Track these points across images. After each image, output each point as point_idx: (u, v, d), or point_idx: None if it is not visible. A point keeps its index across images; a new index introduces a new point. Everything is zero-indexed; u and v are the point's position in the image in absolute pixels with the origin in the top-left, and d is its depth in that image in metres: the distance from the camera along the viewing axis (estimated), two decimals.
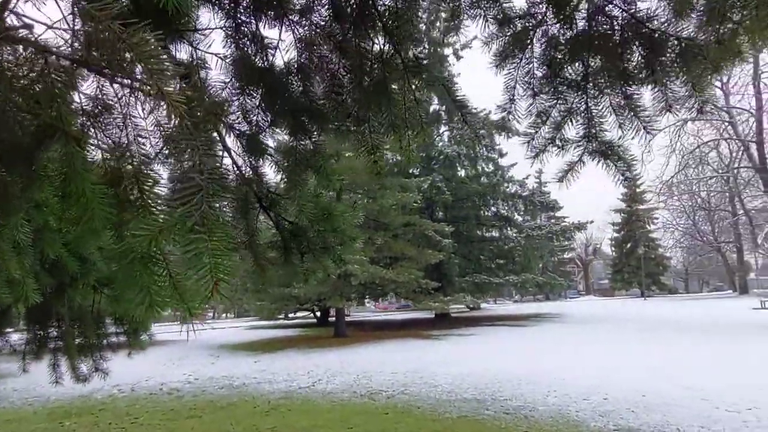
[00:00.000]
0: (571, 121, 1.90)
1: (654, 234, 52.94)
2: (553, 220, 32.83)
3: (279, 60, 2.10)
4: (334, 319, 23.76)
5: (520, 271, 24.03)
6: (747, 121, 18.04)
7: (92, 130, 1.20)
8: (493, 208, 26.54)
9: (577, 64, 1.88)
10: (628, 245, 52.89)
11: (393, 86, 1.96)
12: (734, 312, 23.23)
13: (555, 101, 1.84)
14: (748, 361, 10.08)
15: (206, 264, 0.88)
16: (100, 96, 1.17)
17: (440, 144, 27.06)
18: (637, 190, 52.07)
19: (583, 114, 1.85)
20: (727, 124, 17.81)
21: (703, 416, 6.30)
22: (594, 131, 1.90)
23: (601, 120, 1.95)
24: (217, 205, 0.93)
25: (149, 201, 1.09)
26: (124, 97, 1.16)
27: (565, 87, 1.90)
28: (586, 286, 70.92)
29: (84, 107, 1.19)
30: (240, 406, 8.39)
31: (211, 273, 0.88)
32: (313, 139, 2.15)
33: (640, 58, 1.74)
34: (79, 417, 7.88)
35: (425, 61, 1.94)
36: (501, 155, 26.41)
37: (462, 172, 26.69)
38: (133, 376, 10.79)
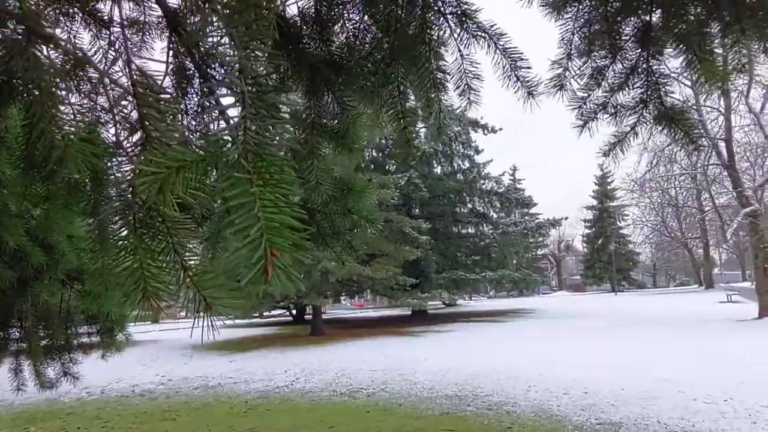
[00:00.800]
0: (629, 83, 1.75)
1: (624, 230, 54.18)
2: (527, 217, 33.18)
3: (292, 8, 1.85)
4: (310, 317, 23.53)
5: (496, 268, 24.20)
6: (716, 120, 18.51)
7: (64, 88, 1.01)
8: (469, 205, 26.65)
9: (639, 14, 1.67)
10: (600, 241, 53.99)
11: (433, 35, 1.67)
12: (702, 306, 23.85)
13: (613, 58, 1.69)
14: (719, 353, 10.29)
15: (254, 223, 0.57)
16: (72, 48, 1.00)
17: (416, 141, 26.98)
18: (609, 186, 53.19)
19: (643, 74, 1.70)
20: (697, 122, 18.16)
21: (681, 408, 6.37)
22: (657, 94, 1.71)
23: (665, 81, 1.75)
24: (271, 128, 0.61)
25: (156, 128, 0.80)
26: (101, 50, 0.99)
27: (624, 42, 1.69)
28: (559, 282, 72.10)
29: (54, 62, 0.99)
30: (216, 406, 8.16)
31: (263, 238, 0.56)
32: (338, 95, 1.84)
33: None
34: (45, 422, 7.53)
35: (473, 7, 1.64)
36: (477, 152, 26.53)
37: (438, 169, 26.73)
38: (103, 378, 10.41)
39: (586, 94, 1.80)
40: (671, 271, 73.96)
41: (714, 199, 20.90)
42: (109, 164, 0.92)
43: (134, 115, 0.84)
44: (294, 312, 28.35)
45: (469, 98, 1.76)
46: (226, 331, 23.87)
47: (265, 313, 28.41)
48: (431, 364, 10.79)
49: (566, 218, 25.48)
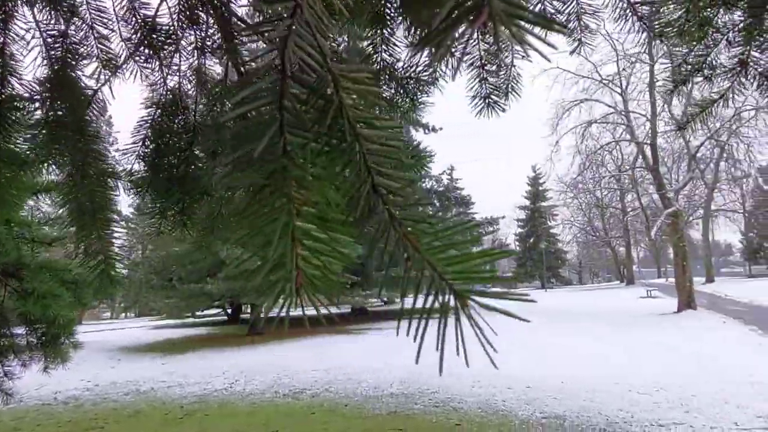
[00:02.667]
0: (729, 41, 1.63)
1: (554, 230, 56.80)
2: (463, 216, 33.90)
3: None
4: (247, 316, 22.82)
5: None
6: (644, 125, 19.74)
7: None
8: None
9: None
10: (531, 240, 56.21)
11: None
12: (626, 301, 25.35)
13: (717, 11, 1.55)
14: (647, 345, 10.90)
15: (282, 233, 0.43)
16: None
17: None
18: (540, 188, 55.51)
19: (746, 30, 1.58)
20: (625, 126, 19.39)
21: (618, 399, 6.64)
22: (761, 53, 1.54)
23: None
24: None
25: None
26: None
27: None
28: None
29: None
30: (149, 413, 7.65)
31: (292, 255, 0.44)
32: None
33: None
34: None
35: None
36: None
37: None
38: (21, 383, 9.48)
39: (687, 50, 1.68)
40: (595, 268, 78.42)
41: (640, 200, 22.39)
42: None
43: None
44: (229, 311, 27.43)
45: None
46: (155, 332, 22.74)
47: (197, 313, 27.30)
48: (375, 363, 10.71)
49: (503, 217, 26.26)
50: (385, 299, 33.76)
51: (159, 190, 1.97)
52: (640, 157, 19.35)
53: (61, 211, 1.73)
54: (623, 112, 19.01)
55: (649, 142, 18.24)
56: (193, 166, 1.97)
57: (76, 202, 1.68)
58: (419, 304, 0.46)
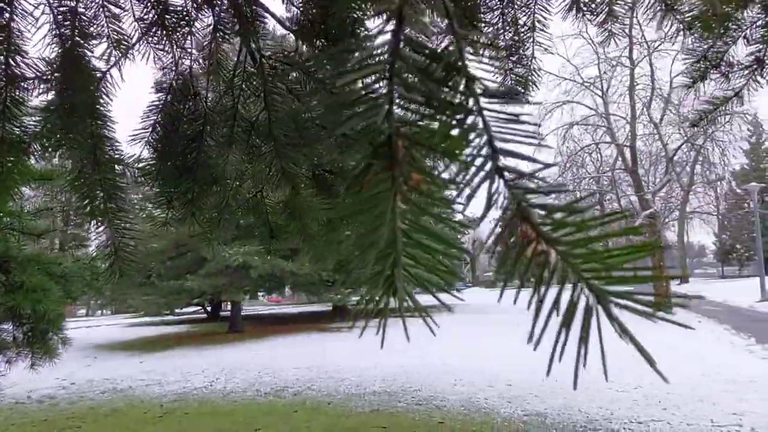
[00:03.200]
0: (747, 38, 1.62)
1: None
2: (444, 214, 33.96)
3: None
4: (226, 313, 22.61)
5: None
6: (624, 128, 20.08)
7: None
8: None
9: None
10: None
11: None
12: None
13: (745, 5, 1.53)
14: (623, 344, 11.06)
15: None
16: None
17: None
18: None
19: (763, 26, 1.56)
20: (605, 129, 19.71)
21: (598, 397, 6.74)
22: None
23: None
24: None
25: None
26: None
27: None
28: (474, 279, 75.00)
29: None
30: (127, 412, 7.51)
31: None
32: None
33: None
34: None
35: None
36: None
37: None
38: None
39: (706, 45, 1.67)
40: None
41: (620, 201, 22.77)
42: None
43: None
44: (209, 308, 27.12)
45: None
46: (133, 329, 22.36)
47: (176, 310, 26.95)
48: (357, 361, 10.69)
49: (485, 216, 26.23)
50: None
51: (168, 179, 1.89)
52: (620, 159, 19.67)
53: (73, 199, 1.66)
54: (604, 115, 19.30)
55: (628, 144, 18.57)
56: (203, 154, 1.91)
57: (87, 189, 1.61)
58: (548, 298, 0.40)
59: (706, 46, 1.66)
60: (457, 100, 0.39)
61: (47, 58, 1.50)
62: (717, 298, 22.60)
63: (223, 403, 7.79)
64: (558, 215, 0.37)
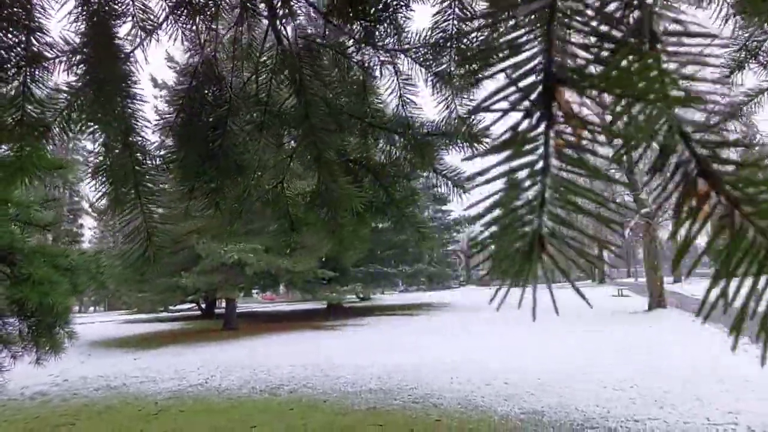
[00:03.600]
0: None
1: None
2: (440, 213, 34.11)
3: None
4: (221, 310, 22.51)
5: (413, 262, 24.59)
6: None
7: None
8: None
9: None
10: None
11: None
12: (598, 299, 25.86)
13: None
14: (620, 343, 11.13)
15: None
16: None
17: None
18: None
19: None
20: None
21: (594, 396, 6.74)
22: None
23: None
24: None
25: None
26: None
27: None
28: (467, 277, 75.07)
29: None
30: (121, 409, 7.46)
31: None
32: None
33: None
34: None
35: None
36: None
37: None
38: None
39: (747, 34, 1.64)
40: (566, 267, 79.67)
41: (615, 200, 22.68)
42: None
43: None
44: (203, 306, 27.02)
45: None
46: (127, 326, 22.24)
47: (170, 307, 26.81)
48: (353, 359, 10.67)
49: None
50: (361, 295, 33.75)
51: (191, 166, 1.82)
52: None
53: (94, 182, 1.55)
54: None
55: None
56: (228, 141, 1.83)
57: (114, 173, 1.54)
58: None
59: (747, 35, 1.63)
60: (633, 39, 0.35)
61: (73, 34, 1.43)
62: (711, 298, 22.67)
63: (218, 400, 7.76)
64: (747, 172, 0.32)
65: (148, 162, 1.66)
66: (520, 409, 6.29)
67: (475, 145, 1.89)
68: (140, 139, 1.61)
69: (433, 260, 34.67)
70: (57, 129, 1.44)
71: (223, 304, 24.40)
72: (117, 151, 1.54)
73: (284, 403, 7.30)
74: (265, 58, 1.90)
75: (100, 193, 1.55)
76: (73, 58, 1.40)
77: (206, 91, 1.84)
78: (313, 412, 6.71)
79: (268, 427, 6.17)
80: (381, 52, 1.81)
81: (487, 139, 1.89)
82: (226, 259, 14.50)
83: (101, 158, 1.53)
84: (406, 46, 1.80)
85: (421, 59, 1.81)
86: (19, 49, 1.31)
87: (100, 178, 1.56)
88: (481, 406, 6.55)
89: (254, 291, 36.70)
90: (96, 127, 1.43)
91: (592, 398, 6.61)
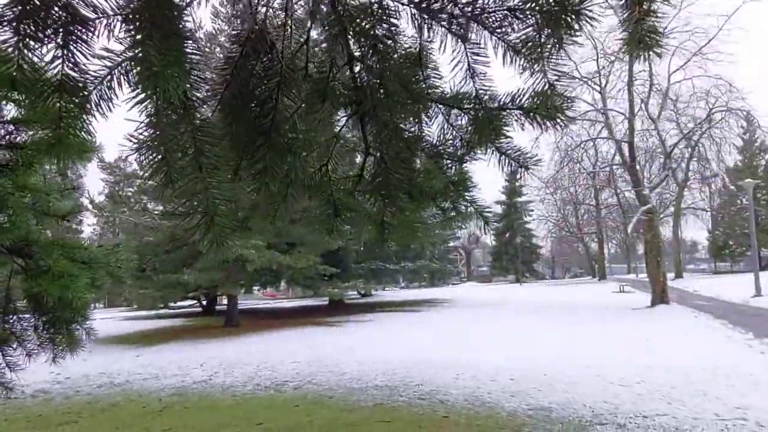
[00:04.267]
0: None
1: (529, 225, 57.58)
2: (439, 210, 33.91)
3: None
4: (225, 307, 22.48)
5: (415, 258, 24.57)
6: (622, 123, 20.08)
7: None
8: None
9: None
10: (507, 235, 56.86)
11: None
12: (601, 296, 25.89)
13: None
14: (625, 338, 11.10)
15: None
16: None
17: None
18: (517, 183, 56.11)
19: None
20: (602, 125, 19.72)
21: (601, 391, 6.71)
22: None
23: None
24: None
25: None
26: None
27: None
28: (468, 273, 75.14)
29: None
30: (125, 406, 7.43)
31: None
32: None
33: None
34: None
35: None
36: None
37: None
38: None
39: None
40: (567, 263, 79.95)
41: (618, 197, 22.81)
42: None
43: None
44: (204, 302, 27.00)
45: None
46: (128, 323, 22.22)
47: (170, 304, 26.77)
48: (357, 355, 10.64)
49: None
50: (363, 291, 33.75)
51: (238, 143, 1.66)
52: (618, 154, 19.68)
53: (149, 156, 1.36)
54: (602, 110, 19.25)
55: (626, 140, 18.58)
56: (280, 116, 1.68)
57: (177, 137, 1.36)
58: None
59: None
60: None
61: None
62: (710, 294, 22.74)
63: (222, 397, 7.73)
64: None
65: (209, 129, 1.48)
66: (528, 406, 6.26)
67: (558, 118, 1.70)
68: (204, 97, 1.45)
69: (434, 257, 34.70)
70: (97, 97, 1.30)
71: (224, 301, 24.40)
72: (174, 116, 1.37)
73: (289, 400, 7.27)
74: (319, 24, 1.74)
75: (150, 169, 1.39)
76: (122, 16, 1.24)
77: (256, 61, 1.71)
78: (318, 409, 6.68)
79: (273, 423, 6.15)
80: (446, 17, 1.61)
81: (571, 113, 1.72)
82: (228, 256, 14.43)
83: (151, 128, 1.36)
84: (479, 10, 1.57)
85: (496, 25, 1.58)
86: (58, 6, 1.19)
87: (149, 151, 1.38)
88: (488, 403, 6.52)
89: (255, 288, 36.71)
90: (150, 90, 1.22)
91: (600, 394, 6.57)
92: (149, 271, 17.33)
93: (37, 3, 1.15)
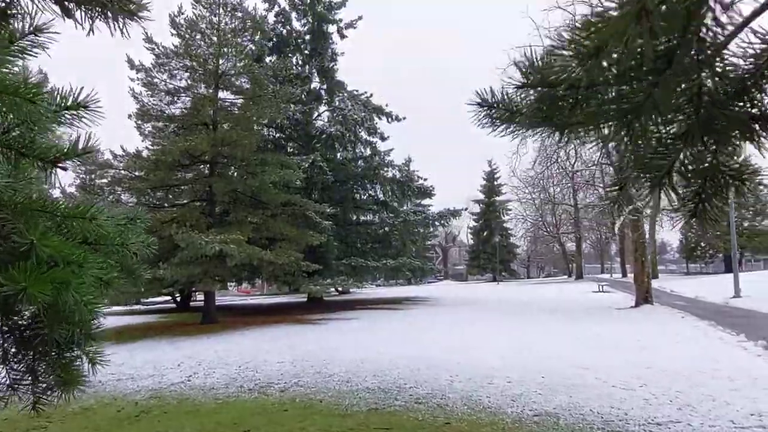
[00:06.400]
0: None
1: (507, 224, 57.82)
2: (422, 206, 33.71)
3: None
4: (199, 303, 21.78)
5: (396, 255, 24.19)
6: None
7: None
8: (370, 192, 26.36)
9: None
10: (485, 234, 56.96)
11: None
12: (581, 295, 25.98)
13: None
14: (616, 339, 10.93)
15: None
16: None
17: (320, 123, 26.11)
18: (496, 182, 56.30)
19: None
20: None
21: (605, 396, 6.44)
22: None
23: None
24: None
25: None
26: None
27: None
28: (445, 272, 75.22)
29: None
30: (98, 410, 6.87)
31: None
32: None
33: None
34: None
35: None
36: (383, 138, 26.26)
37: (338, 154, 25.96)
38: None
39: None
40: (542, 262, 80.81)
41: (606, 195, 22.61)
42: None
43: None
44: (178, 298, 26.18)
45: None
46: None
47: (142, 300, 25.79)
48: (343, 355, 10.21)
49: (466, 209, 26.15)
50: (341, 289, 33.30)
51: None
52: (604, 154, 19.64)
53: None
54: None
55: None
56: None
57: None
58: None
59: None
60: None
61: None
62: (688, 294, 22.98)
63: (204, 400, 7.23)
64: None
65: None
66: (532, 411, 5.94)
67: None
68: None
69: (412, 254, 34.43)
70: None
71: (200, 297, 23.65)
72: None
73: (277, 404, 6.81)
74: None
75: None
76: None
77: None
78: (309, 414, 6.24)
79: (262, 431, 5.69)
80: None
81: None
82: (207, 251, 13.83)
83: None
84: None
85: None
86: None
87: None
88: (489, 407, 6.18)
89: (230, 284, 35.83)
90: None
91: (605, 399, 6.30)
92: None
93: None
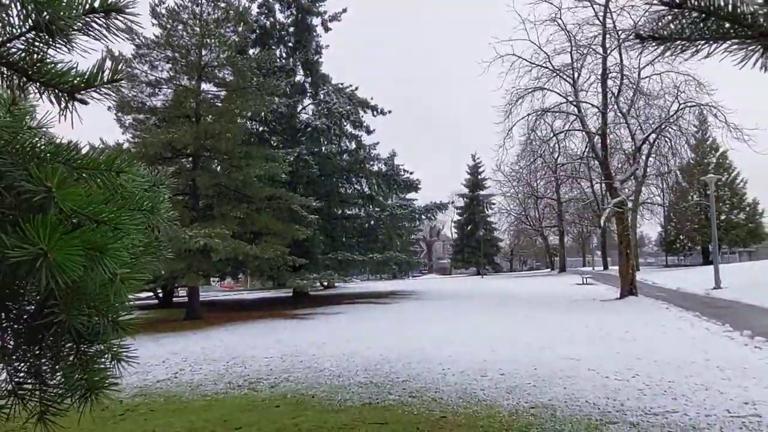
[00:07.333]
0: None
1: (491, 218, 58.14)
2: (406, 201, 33.64)
3: None
4: (182, 299, 21.43)
5: (383, 249, 24.10)
6: (596, 116, 20.09)
7: None
8: (356, 186, 26.19)
9: None
10: (469, 227, 57.25)
11: None
12: (566, 287, 26.20)
13: None
14: (604, 330, 10.98)
15: None
16: None
17: (305, 116, 25.80)
18: (480, 176, 56.55)
19: None
20: (575, 117, 19.67)
21: (600, 386, 6.43)
22: None
23: None
24: None
25: None
26: None
27: None
28: (429, 265, 75.43)
29: None
30: (81, 409, 6.62)
31: None
32: None
33: None
34: None
35: None
36: (369, 132, 26.08)
37: (324, 147, 25.71)
38: None
39: None
40: (524, 256, 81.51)
41: (594, 188, 22.91)
42: None
43: None
44: (161, 294, 25.75)
45: None
46: None
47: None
48: (331, 349, 10.09)
49: (452, 202, 26.11)
50: (325, 284, 33.06)
51: None
52: (590, 147, 19.73)
53: None
54: (574, 102, 19.21)
55: (599, 132, 18.62)
56: None
57: None
58: None
59: None
60: None
61: None
62: (669, 285, 23.32)
63: (192, 397, 7.04)
64: None
65: None
66: (528, 403, 5.89)
67: None
68: None
69: (397, 248, 34.35)
70: None
71: (182, 293, 23.28)
72: None
73: (268, 400, 6.66)
74: None
75: None
76: None
77: None
78: (302, 410, 6.10)
79: (254, 427, 5.54)
80: None
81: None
82: (191, 245, 13.54)
83: None
84: None
85: None
86: None
87: None
88: (485, 400, 6.12)
89: (213, 279, 35.33)
90: None
91: (599, 389, 6.29)
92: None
93: None
